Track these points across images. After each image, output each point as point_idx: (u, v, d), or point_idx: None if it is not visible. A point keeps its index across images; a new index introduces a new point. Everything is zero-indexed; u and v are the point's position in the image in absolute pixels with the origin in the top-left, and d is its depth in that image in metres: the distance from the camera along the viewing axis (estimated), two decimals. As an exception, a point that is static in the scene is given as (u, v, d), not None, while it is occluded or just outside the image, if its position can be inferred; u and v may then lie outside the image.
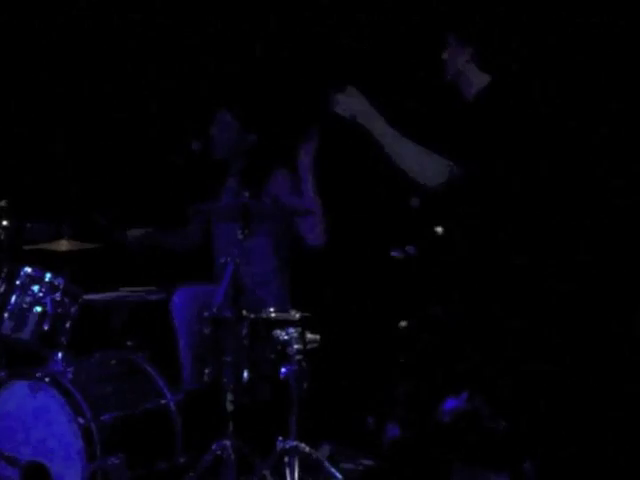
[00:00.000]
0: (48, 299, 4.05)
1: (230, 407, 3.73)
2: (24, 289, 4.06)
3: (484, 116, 3.54)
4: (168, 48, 5.44)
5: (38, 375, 3.93)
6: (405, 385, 3.60)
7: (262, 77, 5.20)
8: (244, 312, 3.76)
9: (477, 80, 3.63)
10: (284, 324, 3.75)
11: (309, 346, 3.73)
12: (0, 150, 5.36)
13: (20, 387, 3.94)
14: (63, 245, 4.35)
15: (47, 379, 3.90)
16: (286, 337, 3.72)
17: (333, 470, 3.70)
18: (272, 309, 3.86)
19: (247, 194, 3.96)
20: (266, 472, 3.67)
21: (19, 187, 5.01)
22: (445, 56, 3.68)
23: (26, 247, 4.32)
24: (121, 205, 5.17)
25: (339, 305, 4.78)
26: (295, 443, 3.67)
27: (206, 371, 3.78)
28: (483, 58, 3.61)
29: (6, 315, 4.03)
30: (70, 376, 3.98)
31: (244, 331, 3.74)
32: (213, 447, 3.76)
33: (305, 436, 3.69)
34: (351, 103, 3.62)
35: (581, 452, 3.88)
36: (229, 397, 3.73)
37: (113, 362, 4.29)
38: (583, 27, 4.34)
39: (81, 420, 3.82)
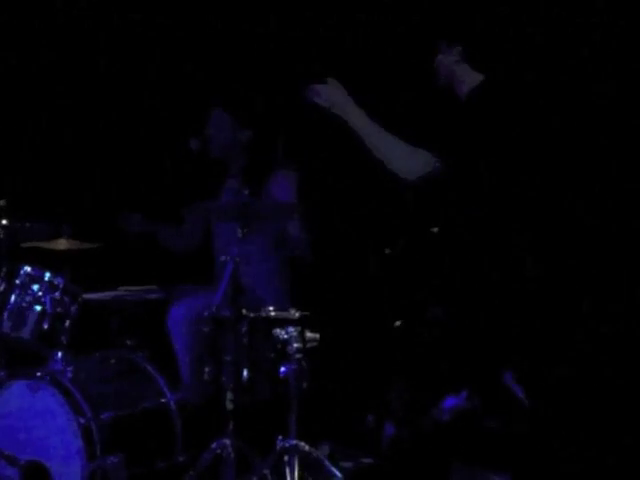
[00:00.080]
0: (48, 298, 4.05)
1: (230, 406, 3.73)
2: (24, 288, 4.06)
3: (477, 113, 3.54)
4: (167, 48, 5.44)
5: (38, 374, 3.94)
6: (400, 384, 3.60)
7: (254, 70, 5.21)
8: (244, 311, 3.75)
9: (469, 79, 3.64)
10: (284, 323, 3.74)
11: (309, 345, 3.73)
12: (-1, 149, 5.37)
13: (20, 386, 3.95)
14: (62, 244, 4.34)
15: (47, 378, 3.90)
16: (286, 336, 3.71)
17: (333, 469, 3.69)
18: (272, 308, 3.86)
19: (247, 192, 3.96)
20: (266, 471, 3.66)
21: (18, 186, 5.02)
22: (437, 61, 3.68)
23: (25, 245, 4.31)
24: (120, 204, 5.16)
25: (339, 304, 4.78)
26: (295, 442, 3.66)
27: (206, 370, 3.78)
28: (473, 56, 3.62)
29: (5, 314, 4.03)
30: (70, 375, 3.98)
31: (244, 330, 3.73)
32: (213, 446, 3.76)
33: (305, 435, 3.68)
34: (329, 94, 3.62)
35: (581, 452, 3.88)
36: (229, 396, 3.73)
37: (113, 361, 4.29)
38: (575, 25, 4.35)
39: (81, 419, 3.82)
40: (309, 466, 3.68)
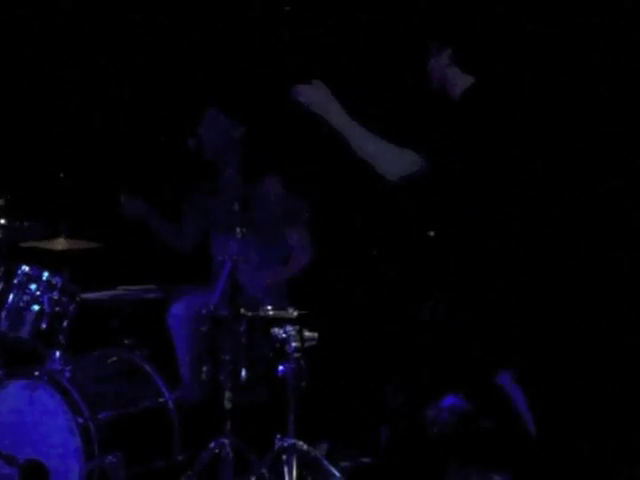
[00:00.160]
0: (46, 298, 4.05)
1: (228, 405, 3.73)
2: (22, 288, 4.06)
3: (470, 114, 3.56)
4: (166, 47, 5.45)
5: (36, 374, 3.93)
6: (398, 383, 3.60)
7: (246, 67, 5.21)
8: (242, 310, 3.76)
9: (461, 82, 3.67)
10: (282, 322, 3.74)
11: (307, 344, 3.73)
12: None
13: (18, 386, 3.94)
14: (61, 244, 4.35)
15: (45, 378, 3.90)
16: (284, 335, 3.71)
17: (331, 468, 3.69)
18: (270, 307, 3.86)
19: (244, 189, 3.96)
20: (264, 470, 3.67)
21: (16, 185, 5.01)
22: (429, 66, 3.70)
23: (23, 245, 4.31)
24: (119, 203, 5.16)
25: (337, 303, 4.78)
26: (293, 441, 3.66)
27: (204, 369, 3.78)
28: (463, 59, 3.64)
29: (4, 314, 4.03)
30: (68, 375, 3.97)
31: (242, 329, 3.74)
32: (211, 445, 3.76)
33: (303, 434, 3.68)
34: (311, 94, 3.64)
35: (581, 452, 3.88)
36: (227, 395, 3.73)
37: (111, 361, 4.29)
38: (564, 26, 4.36)
39: (79, 419, 3.82)
40: (307, 465, 3.67)
